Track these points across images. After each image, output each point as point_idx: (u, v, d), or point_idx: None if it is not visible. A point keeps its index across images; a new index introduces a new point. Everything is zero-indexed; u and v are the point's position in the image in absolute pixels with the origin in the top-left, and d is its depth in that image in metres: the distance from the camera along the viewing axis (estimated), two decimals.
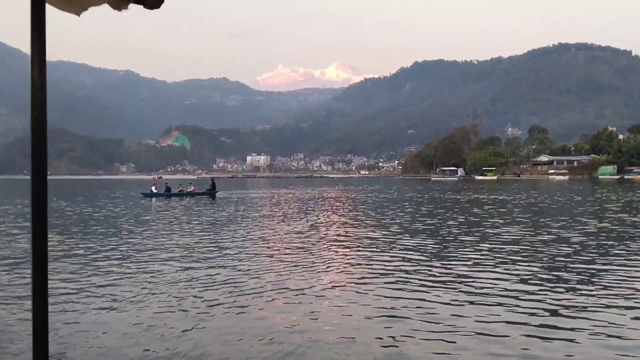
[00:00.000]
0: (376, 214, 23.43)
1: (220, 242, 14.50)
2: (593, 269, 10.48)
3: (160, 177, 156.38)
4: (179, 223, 19.92)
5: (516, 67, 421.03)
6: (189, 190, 42.11)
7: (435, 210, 25.21)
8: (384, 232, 16.30)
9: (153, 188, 42.10)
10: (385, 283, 9.34)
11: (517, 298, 8.11)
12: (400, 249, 12.95)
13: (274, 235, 15.91)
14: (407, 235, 15.67)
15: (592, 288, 8.83)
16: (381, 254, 12.33)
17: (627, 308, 7.12)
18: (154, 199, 38.38)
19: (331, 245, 13.87)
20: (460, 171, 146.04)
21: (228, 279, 9.81)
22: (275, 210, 26.48)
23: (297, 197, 41.05)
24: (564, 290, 8.73)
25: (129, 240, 15.15)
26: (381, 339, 6.17)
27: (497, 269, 10.46)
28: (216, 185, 43.61)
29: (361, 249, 13.10)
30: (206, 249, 13.41)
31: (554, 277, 9.81)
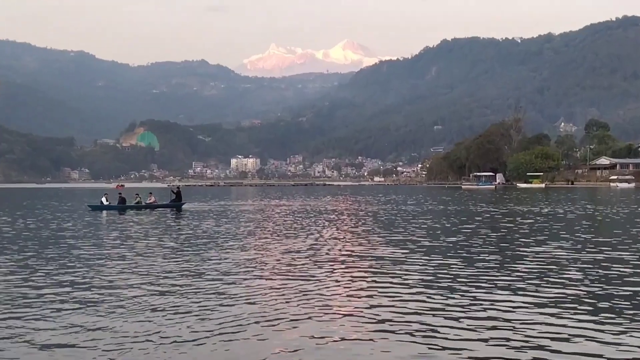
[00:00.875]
0: (389, 231, 23.58)
1: (190, 266, 14.64)
2: None
3: (123, 186, 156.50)
4: (135, 242, 20.10)
5: (570, 47, 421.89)
6: (148, 201, 42.28)
7: (463, 227, 25.36)
8: (397, 253, 16.45)
9: (103, 199, 42.29)
10: (399, 315, 9.46)
11: (558, 339, 8.16)
12: (417, 274, 13.08)
13: (261, 257, 16.06)
14: (426, 256, 15.81)
15: None
16: (393, 279, 12.46)
17: None
18: (104, 212, 38.55)
19: (332, 269, 14.00)
20: (499, 177, 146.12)
21: (198, 308, 9.93)
22: (264, 226, 26.69)
23: (293, 209, 41.27)
24: (619, 331, 8.83)
25: (68, 264, 15.28)
26: None
27: (534, 299, 10.56)
28: (182, 196, 43.76)
29: (369, 274, 13.23)
30: (171, 274, 13.55)
31: (606, 316, 9.90)
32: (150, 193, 45.38)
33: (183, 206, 42.44)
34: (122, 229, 25.42)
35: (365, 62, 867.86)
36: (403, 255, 16.11)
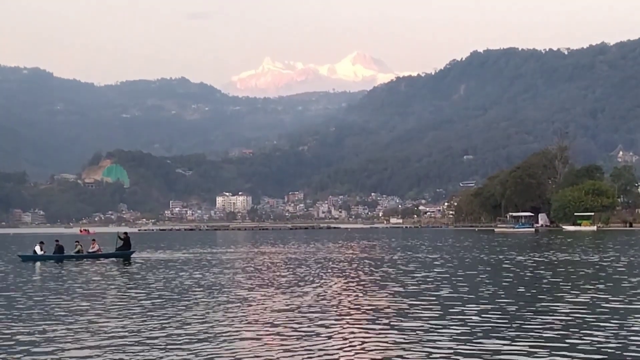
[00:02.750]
0: (405, 284, 23.90)
1: (156, 326, 14.93)
2: None
3: (88, 231, 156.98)
4: (69, 298, 20.41)
5: (628, 59, 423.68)
6: (91, 250, 42.98)
7: (490, 281, 25.67)
8: (413, 309, 16.72)
9: (37, 248, 42.93)
10: None
11: None
12: (437, 334, 13.38)
13: (249, 316, 16.36)
14: (447, 315, 16.10)
15: None
16: (409, 340, 12.79)
17: None
18: (37, 263, 39.13)
19: (335, 329, 14.29)
20: (541, 218, 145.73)
21: None
22: (254, 278, 26.98)
23: (292, 258, 41.60)
24: None
25: None
26: None
27: None
28: (131, 243, 44.53)
29: (380, 334, 13.55)
30: (118, 339, 13.86)
31: None
32: (93, 240, 46.02)
33: (132, 255, 43.13)
34: (56, 282, 25.95)
35: (379, 79, 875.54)
36: (419, 312, 16.39)
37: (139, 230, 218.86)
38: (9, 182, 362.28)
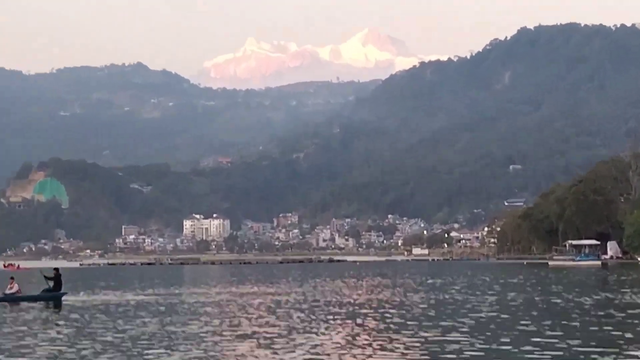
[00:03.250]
0: (427, 332, 23.88)
1: None
2: None
3: (12, 265, 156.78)
4: None
5: None
6: (8, 291, 43.06)
7: (546, 331, 25.67)
8: None
9: None
10: None
11: None
12: None
13: None
14: None
15: None
16: None
17: None
18: None
19: None
20: (611, 247, 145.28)
21: None
22: (231, 329, 26.93)
23: (280, 302, 41.52)
24: None
25: None
26: None
27: None
28: (62, 282, 44.66)
29: None
30: None
31: None
32: (12, 278, 46.02)
33: (63, 298, 43.18)
34: None
35: (397, 64, 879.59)
36: None
37: (80, 264, 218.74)
38: None
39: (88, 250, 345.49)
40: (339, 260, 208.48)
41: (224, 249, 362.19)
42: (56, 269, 45.90)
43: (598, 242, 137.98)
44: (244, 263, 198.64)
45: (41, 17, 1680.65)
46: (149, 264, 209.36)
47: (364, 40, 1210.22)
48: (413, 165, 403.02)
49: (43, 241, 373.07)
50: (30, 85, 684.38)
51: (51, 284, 43.79)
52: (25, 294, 43.72)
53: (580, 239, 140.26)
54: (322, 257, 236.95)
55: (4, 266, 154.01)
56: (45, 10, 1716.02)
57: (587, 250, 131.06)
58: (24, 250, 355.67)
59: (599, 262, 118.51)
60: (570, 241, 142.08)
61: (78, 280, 69.78)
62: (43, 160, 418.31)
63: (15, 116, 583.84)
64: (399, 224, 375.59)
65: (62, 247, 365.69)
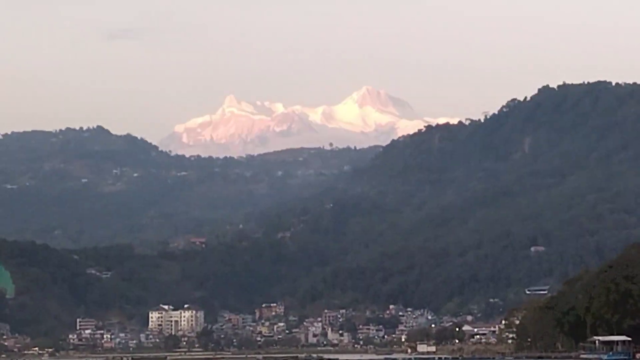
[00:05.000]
0: None
1: None
2: None
3: None
4: None
5: None
6: None
7: None
8: None
9: None
10: None
11: None
12: None
13: None
14: None
15: None
16: None
17: None
18: None
19: None
20: None
21: None
22: None
23: None
24: None
25: None
26: None
27: None
28: None
29: None
30: None
31: None
32: None
33: None
34: None
35: (400, 128, 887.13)
36: None
37: None
38: None
39: (36, 348, 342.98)
40: (329, 359, 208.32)
41: (196, 345, 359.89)
42: None
43: (630, 339, 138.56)
44: None
45: None
46: None
47: (362, 101, 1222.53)
48: (419, 248, 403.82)
49: None
50: None
51: None
52: None
53: (611, 334, 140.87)
54: (313, 355, 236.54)
55: None
56: None
57: (619, 348, 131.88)
58: None
59: None
60: (598, 337, 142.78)
61: None
62: None
63: None
64: (402, 315, 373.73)
65: (6, 344, 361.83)
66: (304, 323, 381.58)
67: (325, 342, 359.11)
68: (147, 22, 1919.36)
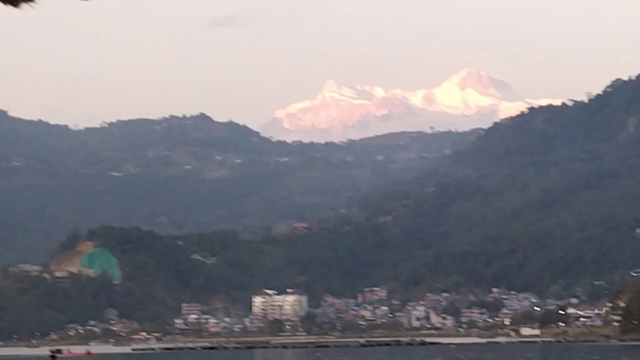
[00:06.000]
0: None
1: None
2: None
3: (60, 352, 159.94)
4: None
5: None
6: None
7: None
8: None
9: None
10: None
11: None
12: None
13: None
14: None
15: None
16: None
17: None
18: None
19: None
20: None
21: None
22: None
23: None
24: None
25: None
26: None
27: None
28: None
29: None
30: None
31: None
32: None
33: None
34: None
35: (502, 110, 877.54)
36: None
37: (133, 350, 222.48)
38: None
39: (144, 333, 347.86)
40: (431, 343, 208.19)
41: (300, 329, 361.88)
42: (58, 350, 47.98)
43: None
44: (321, 346, 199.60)
45: (90, 64, 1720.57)
46: (211, 348, 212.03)
47: (462, 83, 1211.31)
48: (522, 231, 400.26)
49: (92, 322, 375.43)
50: (78, 142, 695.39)
51: None
52: None
53: None
54: (417, 339, 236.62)
55: (51, 354, 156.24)
56: (94, 56, 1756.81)
57: None
58: (70, 333, 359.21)
59: None
60: None
61: None
62: (92, 228, 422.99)
63: (61, 178, 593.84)
64: (506, 299, 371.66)
65: (114, 329, 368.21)
66: (407, 307, 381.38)
67: (428, 326, 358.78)
68: (249, 10, 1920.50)
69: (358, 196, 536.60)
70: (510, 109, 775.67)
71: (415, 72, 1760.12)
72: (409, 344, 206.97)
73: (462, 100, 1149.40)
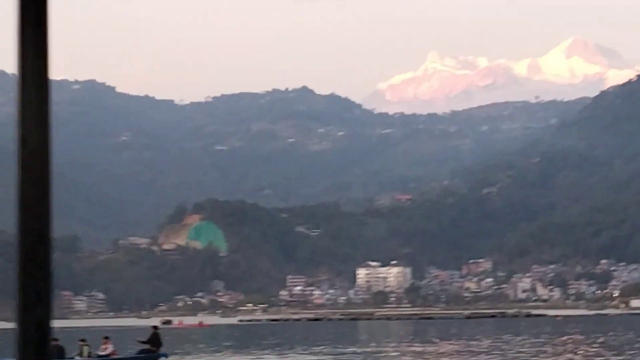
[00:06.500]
0: None
1: None
2: None
3: (170, 322, 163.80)
4: None
5: None
6: (101, 353, 45.86)
7: None
8: None
9: None
10: None
11: None
12: None
13: None
14: None
15: None
16: None
17: None
18: None
19: None
20: None
21: None
22: None
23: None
24: None
25: None
26: None
27: None
28: (161, 341, 47.05)
29: None
30: None
31: None
32: (106, 338, 48.60)
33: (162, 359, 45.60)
34: None
35: (610, 78, 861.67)
36: None
37: (239, 321, 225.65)
38: (54, 251, 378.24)
39: (250, 304, 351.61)
40: (537, 315, 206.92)
41: (404, 301, 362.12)
42: (155, 327, 48.47)
43: None
44: (425, 318, 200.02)
45: (195, 40, 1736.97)
46: (315, 319, 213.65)
47: (569, 52, 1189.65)
48: (631, 201, 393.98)
49: (200, 294, 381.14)
50: (184, 116, 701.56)
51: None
52: (121, 356, 45.84)
53: None
54: (524, 311, 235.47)
55: (160, 324, 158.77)
56: (198, 33, 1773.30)
57: None
58: (178, 304, 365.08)
59: None
60: None
61: (228, 339, 73.71)
62: (198, 201, 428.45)
63: (167, 153, 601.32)
64: (615, 270, 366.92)
65: (221, 300, 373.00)
66: (512, 279, 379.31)
67: (534, 298, 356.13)
68: None
69: (461, 167, 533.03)
70: (618, 76, 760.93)
71: (520, 41, 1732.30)
72: (514, 316, 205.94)
73: (569, 69, 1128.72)
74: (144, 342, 46.42)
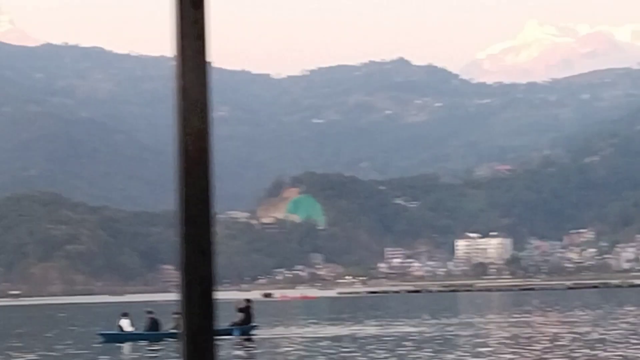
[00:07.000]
0: None
1: None
2: None
3: (270, 295, 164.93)
4: None
5: None
6: None
7: None
8: None
9: (123, 322, 48.06)
10: None
11: None
12: None
13: None
14: None
15: None
16: None
17: None
18: (126, 345, 44.29)
19: None
20: None
21: None
22: None
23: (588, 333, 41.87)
24: None
25: None
26: None
27: None
28: (252, 314, 46.93)
29: None
30: None
31: None
32: None
33: (254, 332, 45.49)
34: None
35: None
36: None
37: (338, 294, 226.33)
38: (155, 225, 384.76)
39: (349, 276, 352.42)
40: (639, 285, 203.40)
41: (504, 272, 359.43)
42: (247, 300, 48.57)
43: None
44: (525, 289, 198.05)
45: (289, 12, 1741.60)
46: (414, 291, 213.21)
47: None
48: None
49: (298, 267, 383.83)
50: (281, 90, 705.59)
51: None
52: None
53: None
54: (628, 281, 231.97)
55: (282, 296, 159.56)
56: (294, 6, 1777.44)
57: None
58: (277, 277, 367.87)
59: None
60: None
61: (320, 312, 73.36)
62: (296, 174, 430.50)
63: (264, 126, 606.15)
64: None
65: (320, 273, 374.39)
66: (616, 248, 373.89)
67: (638, 268, 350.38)
68: None
69: (562, 136, 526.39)
70: None
71: (622, 6, 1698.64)
72: (618, 286, 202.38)
73: None
74: (240, 310, 46.65)
